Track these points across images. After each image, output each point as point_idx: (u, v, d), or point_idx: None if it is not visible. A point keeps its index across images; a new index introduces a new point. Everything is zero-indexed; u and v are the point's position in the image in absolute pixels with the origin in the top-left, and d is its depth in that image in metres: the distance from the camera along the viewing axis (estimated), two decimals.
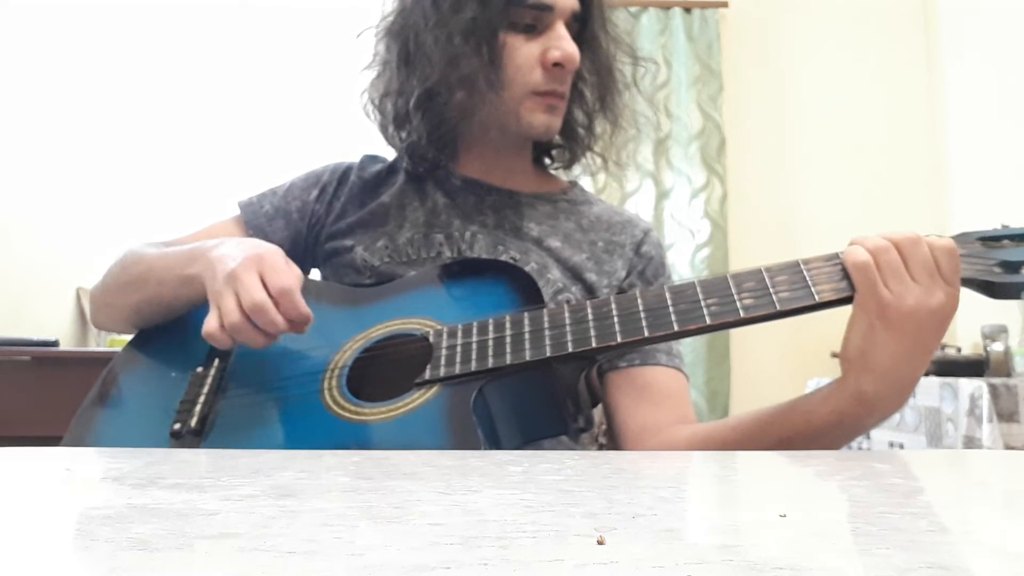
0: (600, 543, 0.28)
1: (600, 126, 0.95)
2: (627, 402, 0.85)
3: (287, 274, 0.71)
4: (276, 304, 0.70)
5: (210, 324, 0.70)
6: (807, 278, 0.66)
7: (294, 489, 0.39)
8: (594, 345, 0.68)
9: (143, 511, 0.34)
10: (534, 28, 0.85)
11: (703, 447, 0.76)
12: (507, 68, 0.85)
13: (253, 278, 0.70)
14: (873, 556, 0.28)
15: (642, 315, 0.68)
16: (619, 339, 0.67)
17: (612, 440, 0.89)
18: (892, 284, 0.64)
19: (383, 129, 0.96)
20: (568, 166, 1.00)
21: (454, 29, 0.83)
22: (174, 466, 0.47)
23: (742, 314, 0.65)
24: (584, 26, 0.89)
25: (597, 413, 0.91)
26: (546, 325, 0.70)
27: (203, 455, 0.57)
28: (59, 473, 0.47)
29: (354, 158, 1.00)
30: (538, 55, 0.85)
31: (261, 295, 0.69)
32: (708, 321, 0.66)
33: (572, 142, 0.97)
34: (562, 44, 0.84)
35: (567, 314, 0.70)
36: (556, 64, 0.85)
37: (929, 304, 0.64)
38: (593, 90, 0.93)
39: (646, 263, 0.94)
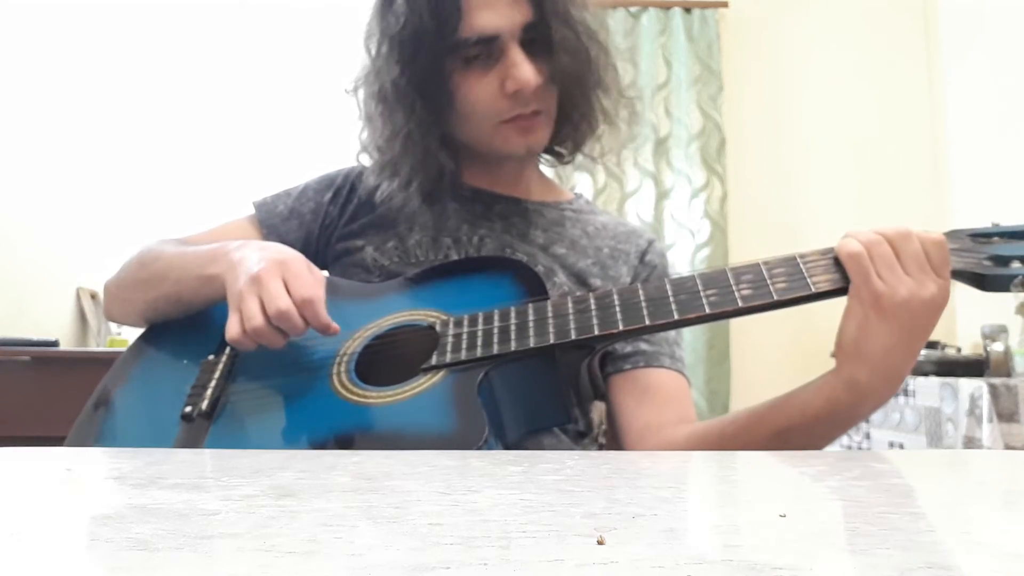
0: (600, 543, 0.28)
1: (585, 122, 0.92)
2: (630, 403, 0.86)
3: (311, 283, 0.72)
4: (300, 312, 0.70)
5: (232, 328, 0.71)
6: (803, 270, 0.68)
7: (294, 489, 0.39)
8: (596, 333, 0.69)
9: (143, 511, 0.34)
10: (489, 58, 0.84)
11: (701, 444, 0.77)
12: (467, 105, 0.86)
13: (278, 284, 0.70)
14: (873, 556, 0.28)
15: (643, 304, 0.69)
16: (620, 327, 0.69)
17: (613, 441, 0.90)
18: (885, 275, 0.66)
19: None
20: (573, 151, 0.96)
21: (411, 77, 0.85)
22: (174, 466, 0.47)
23: (740, 304, 0.67)
24: (543, 30, 0.84)
25: (597, 414, 0.91)
26: (550, 314, 0.72)
27: (203, 455, 0.57)
28: (59, 473, 0.47)
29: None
30: (497, 87, 0.84)
31: (286, 302, 0.69)
32: (708, 310, 0.68)
33: (568, 136, 0.94)
34: (515, 72, 0.82)
35: (570, 304, 0.72)
36: (516, 91, 0.83)
37: (921, 295, 0.66)
38: (571, 88, 0.89)
39: (650, 271, 0.95)
